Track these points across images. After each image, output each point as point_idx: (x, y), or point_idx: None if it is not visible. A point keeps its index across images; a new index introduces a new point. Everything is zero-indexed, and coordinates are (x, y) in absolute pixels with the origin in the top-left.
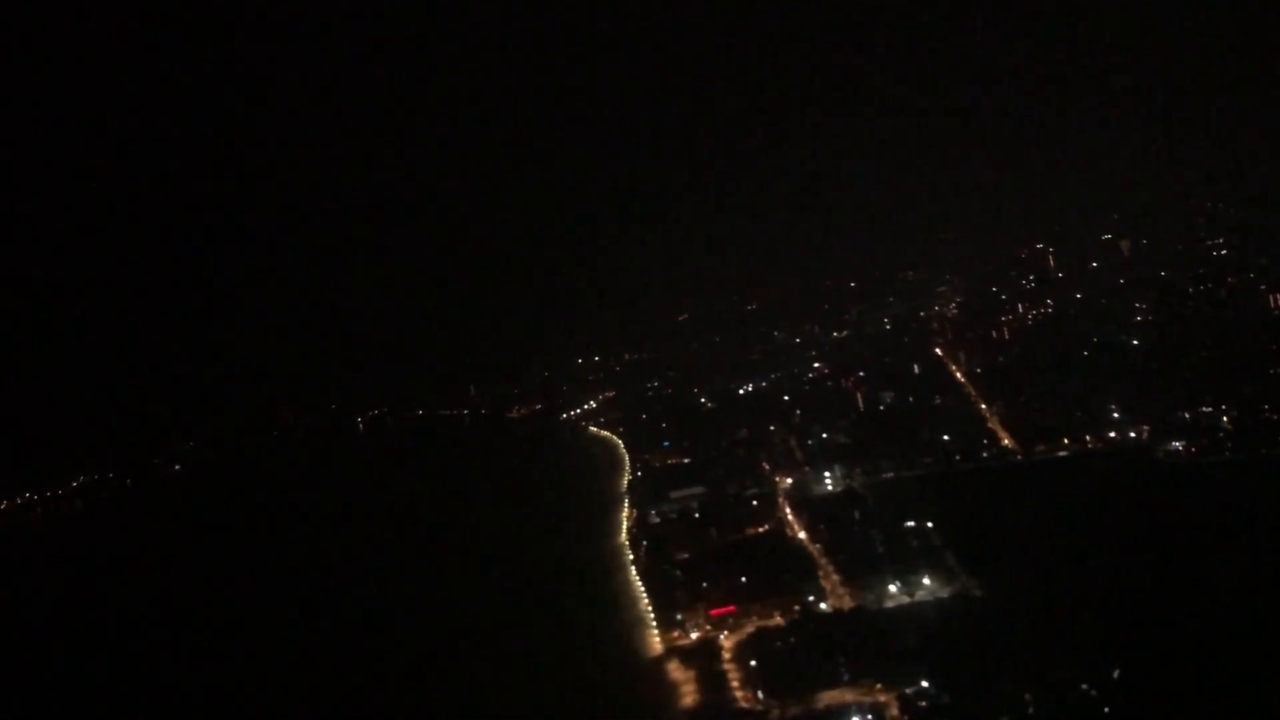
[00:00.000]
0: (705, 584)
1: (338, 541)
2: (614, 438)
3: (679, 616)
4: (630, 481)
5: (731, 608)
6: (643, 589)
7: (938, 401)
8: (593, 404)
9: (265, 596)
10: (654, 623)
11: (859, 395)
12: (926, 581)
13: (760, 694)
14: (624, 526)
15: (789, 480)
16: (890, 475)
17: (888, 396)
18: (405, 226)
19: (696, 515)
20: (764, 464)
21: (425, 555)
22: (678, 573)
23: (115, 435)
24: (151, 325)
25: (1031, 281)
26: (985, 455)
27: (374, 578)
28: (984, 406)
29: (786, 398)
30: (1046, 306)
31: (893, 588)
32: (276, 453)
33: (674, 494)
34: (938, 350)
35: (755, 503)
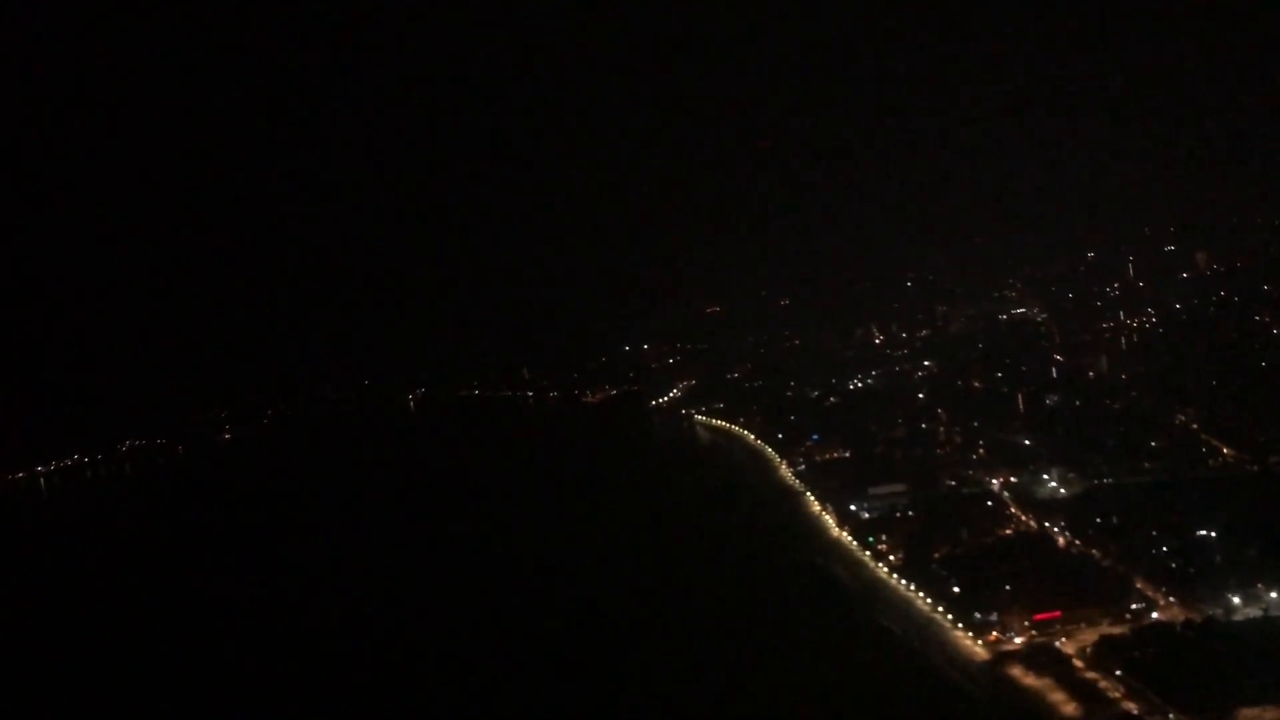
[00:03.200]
0: (1008, 586)
1: (503, 532)
2: (734, 428)
3: (990, 618)
4: (796, 474)
5: (1057, 613)
6: (909, 588)
7: (1116, 407)
8: (676, 392)
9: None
10: (952, 624)
11: (1020, 396)
12: (1274, 595)
13: (1167, 709)
14: (829, 521)
15: (996, 480)
16: (1109, 480)
17: (1052, 398)
18: (430, 218)
19: (911, 513)
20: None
21: (633, 555)
22: (944, 573)
23: (163, 401)
24: (204, 298)
25: (1116, 289)
26: (1211, 463)
27: (591, 585)
28: (1169, 413)
29: (921, 395)
30: (1149, 315)
31: (1235, 599)
32: (331, 426)
33: (874, 490)
34: (1056, 354)
35: (989, 503)
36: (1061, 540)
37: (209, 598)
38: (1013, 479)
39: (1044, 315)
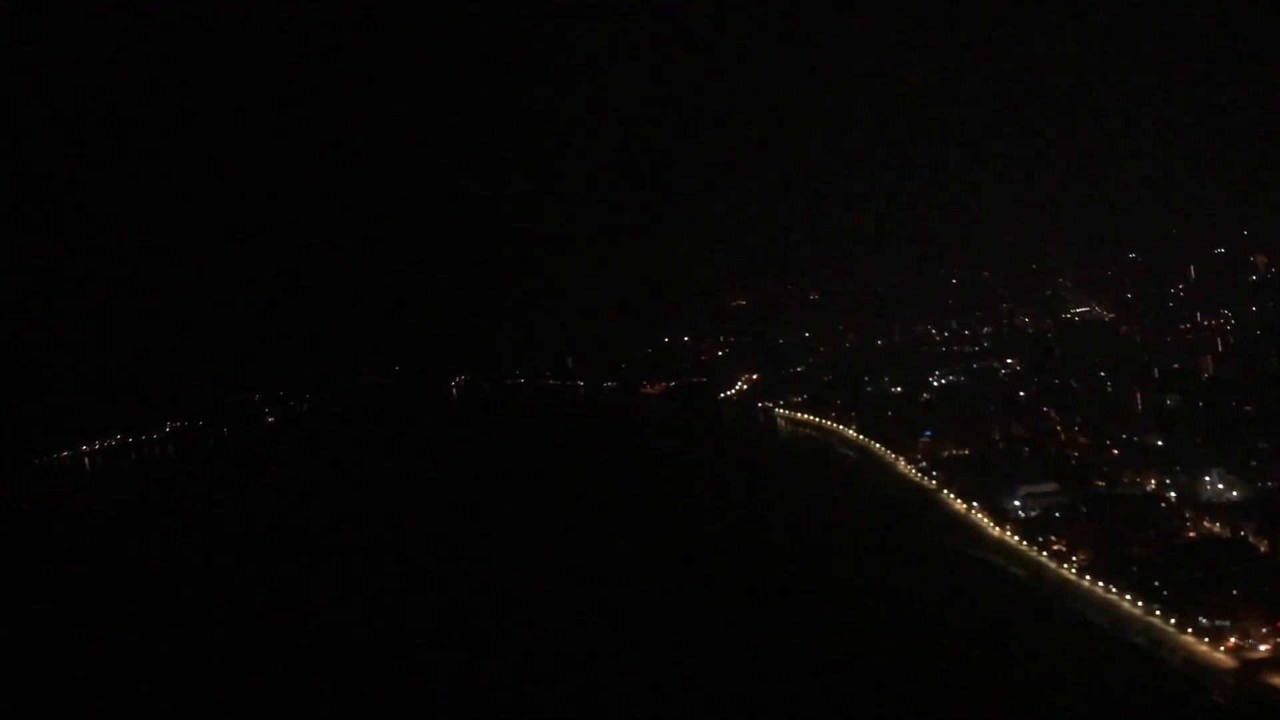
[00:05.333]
0: (1234, 591)
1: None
2: (826, 423)
3: (1221, 623)
4: (919, 471)
5: None
6: (1109, 590)
7: (1248, 409)
8: (743, 385)
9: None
10: (1177, 629)
11: (1137, 396)
12: None
13: None
14: (981, 520)
15: (1150, 482)
16: (1272, 484)
17: (1173, 398)
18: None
19: (1074, 513)
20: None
21: (791, 558)
22: (1146, 575)
23: (197, 384)
24: (238, 281)
25: (1181, 290)
26: None
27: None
28: None
29: (1022, 394)
30: (1226, 317)
31: None
32: (373, 412)
33: (1025, 489)
34: (1144, 355)
35: (1163, 505)
36: (1263, 546)
37: (262, 583)
38: (1166, 481)
39: (1111, 315)
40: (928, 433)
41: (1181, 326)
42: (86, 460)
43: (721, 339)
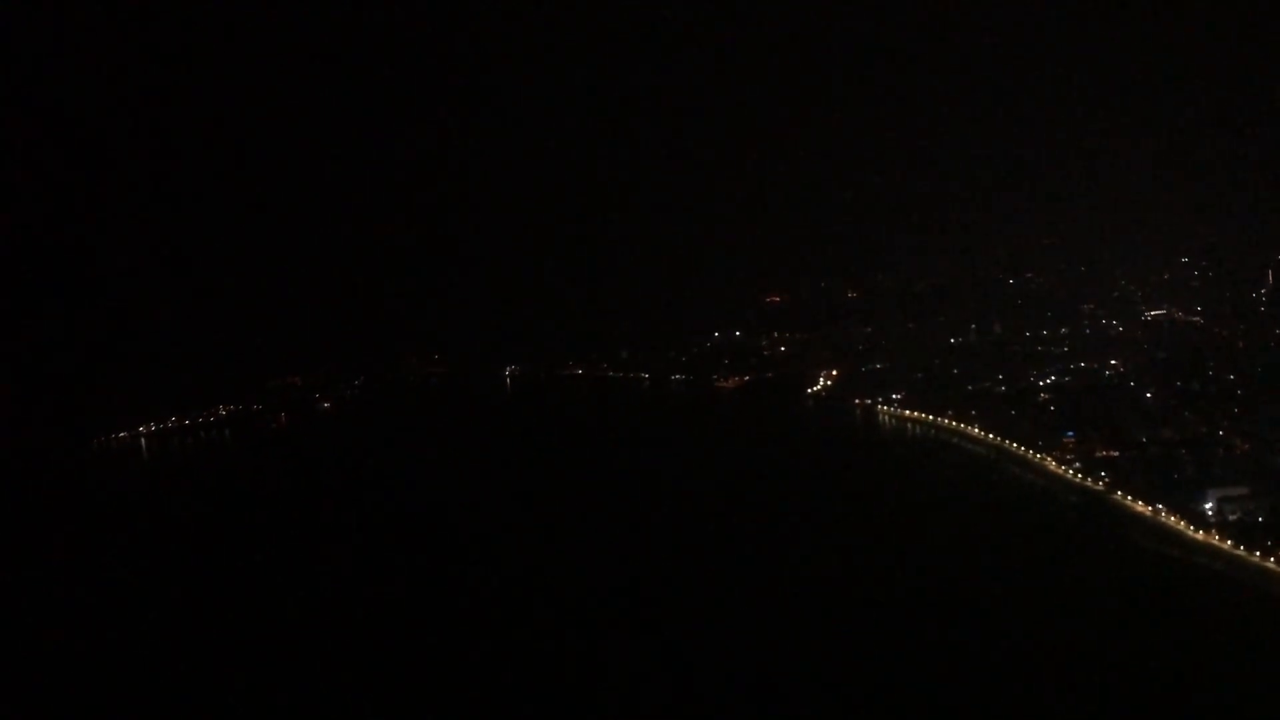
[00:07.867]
0: None
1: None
2: (944, 421)
3: None
4: (1074, 472)
5: None
6: None
7: None
8: (827, 381)
9: None
10: None
11: None
12: None
13: None
14: (1175, 523)
15: None
16: None
17: None
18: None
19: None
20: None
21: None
22: None
23: (239, 366)
24: (286, 267)
25: (1263, 294)
26: None
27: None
28: None
29: (1149, 395)
30: None
31: None
32: (433, 399)
33: (1214, 492)
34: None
35: None
36: None
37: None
38: None
39: (1196, 319)
40: (1069, 433)
41: (1278, 331)
42: (143, 442)
43: (776, 335)
